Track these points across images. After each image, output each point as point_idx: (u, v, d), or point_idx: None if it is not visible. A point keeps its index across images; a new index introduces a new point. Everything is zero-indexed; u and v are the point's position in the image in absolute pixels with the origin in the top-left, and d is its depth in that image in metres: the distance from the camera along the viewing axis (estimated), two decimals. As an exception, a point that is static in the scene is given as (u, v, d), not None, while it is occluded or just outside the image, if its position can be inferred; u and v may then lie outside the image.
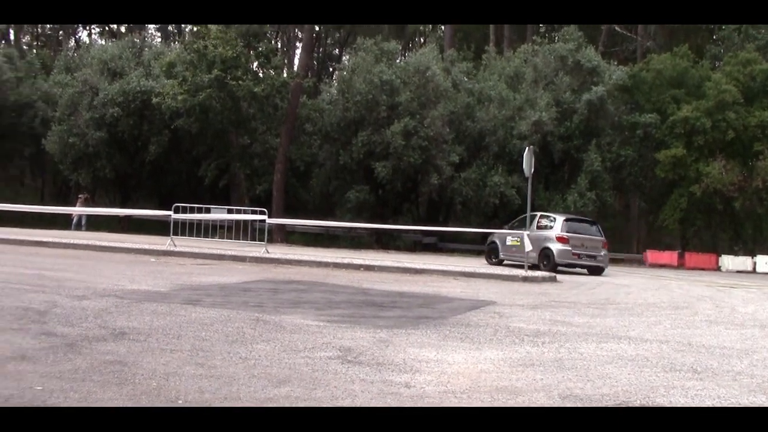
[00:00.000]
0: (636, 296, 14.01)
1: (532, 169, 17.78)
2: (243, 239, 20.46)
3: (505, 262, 21.60)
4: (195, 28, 37.22)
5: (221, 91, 27.40)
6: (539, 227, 20.82)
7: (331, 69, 53.62)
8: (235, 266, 15.70)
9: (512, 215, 28.76)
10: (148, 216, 27.39)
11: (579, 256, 20.03)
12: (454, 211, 32.22)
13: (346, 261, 17.46)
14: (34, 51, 48.72)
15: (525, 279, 15.85)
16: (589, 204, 28.54)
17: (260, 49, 30.22)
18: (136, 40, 37.17)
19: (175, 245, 18.11)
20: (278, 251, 19.44)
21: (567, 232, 20.12)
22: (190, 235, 19.66)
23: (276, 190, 29.85)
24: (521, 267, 18.24)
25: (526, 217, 19.45)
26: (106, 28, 56.42)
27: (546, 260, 19.94)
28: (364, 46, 31.07)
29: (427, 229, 28.79)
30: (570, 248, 19.88)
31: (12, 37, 52.49)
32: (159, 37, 53.72)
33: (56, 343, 6.12)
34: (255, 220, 21.49)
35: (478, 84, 31.54)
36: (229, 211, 22.91)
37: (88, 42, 53.26)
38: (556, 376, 5.83)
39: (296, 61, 39.93)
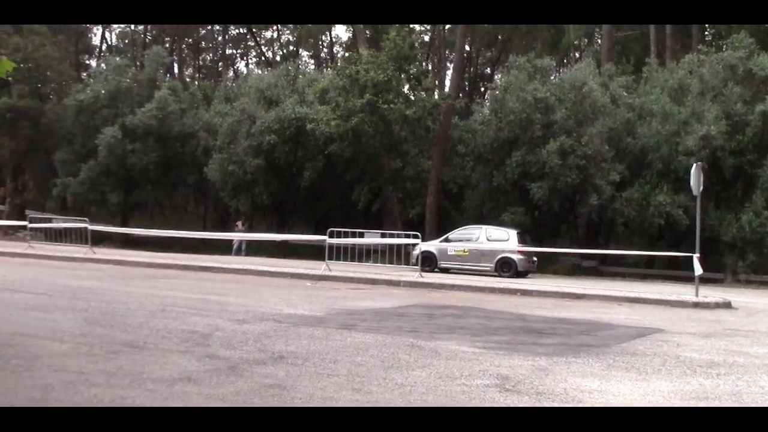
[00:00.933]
0: (824, 324, 12.99)
1: (701, 187, 16.97)
2: (396, 263, 20.71)
3: (436, 269, 23.87)
4: (347, 54, 38.27)
5: (373, 115, 27.96)
6: (492, 240, 24.14)
7: (482, 88, 53.66)
8: (389, 291, 15.89)
9: (679, 236, 27.56)
10: (303, 241, 28.27)
11: (529, 262, 23.98)
12: (616, 232, 31.19)
13: (501, 285, 17.27)
14: (196, 83, 51.76)
15: (696, 305, 15.06)
16: (767, 224, 26.81)
17: (411, 71, 30.65)
18: (290, 68, 38.68)
19: (330, 269, 18.57)
20: (432, 275, 19.54)
21: (521, 243, 23.74)
22: (345, 259, 20.08)
23: (429, 213, 30.06)
24: (477, 274, 22.52)
25: (463, 230, 25.24)
26: (262, 58, 59.30)
27: (507, 267, 23.23)
28: (517, 64, 30.83)
29: (587, 252, 28.04)
30: (526, 257, 23.65)
31: (176, 70, 56.18)
32: (312, 64, 55.78)
33: (219, 366, 6.42)
34: (408, 244, 21.74)
35: (639, 98, 30.46)
36: (383, 235, 23.29)
37: (245, 72, 56.16)
38: (734, 411, 5.49)
39: (447, 82, 40.22)
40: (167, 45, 54.15)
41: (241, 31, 58.88)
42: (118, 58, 41.27)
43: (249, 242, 30.33)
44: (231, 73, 59.89)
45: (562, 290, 16.64)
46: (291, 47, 59.98)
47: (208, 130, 34.75)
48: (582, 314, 12.40)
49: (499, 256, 23.37)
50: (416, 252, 23.21)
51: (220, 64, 62.68)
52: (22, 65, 34.22)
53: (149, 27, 57.72)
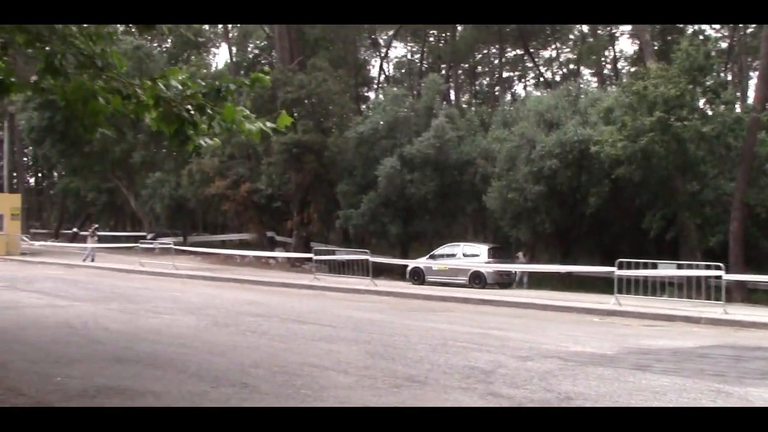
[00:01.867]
0: None
1: None
2: (695, 298, 19.52)
3: (427, 281, 27.53)
4: (633, 69, 37.07)
5: (665, 134, 26.81)
6: (466, 255, 28.17)
7: (795, 97, 49.34)
8: (687, 328, 15.10)
9: None
10: (589, 272, 27.76)
11: (500, 275, 27.15)
12: None
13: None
14: (473, 109, 52.90)
15: None
16: None
17: (707, 83, 29.00)
18: (570, 87, 38.24)
19: (620, 304, 18.04)
20: (739, 312, 18.22)
21: (492, 258, 27.55)
22: (635, 292, 19.39)
23: (733, 241, 28.09)
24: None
25: (445, 248, 29.68)
26: (541, 79, 59.34)
27: (478, 280, 26.57)
28: (839, 67, 28.04)
29: None
30: (495, 271, 26.89)
31: (452, 97, 57.94)
32: (595, 82, 54.83)
33: (502, 405, 6.45)
34: (709, 276, 20.44)
35: None
36: (679, 266, 22.15)
37: (523, 95, 56.51)
38: None
39: (751, 93, 37.51)
40: (443, 72, 56.04)
41: (518, 52, 59.44)
42: (395, 89, 43.36)
43: (531, 274, 30.32)
44: (508, 97, 60.45)
45: None
46: (571, 66, 59.44)
47: (486, 156, 35.22)
48: None
49: (472, 270, 26.90)
50: (409, 268, 29.07)
51: (496, 88, 63.59)
52: (306, 101, 37.15)
53: (425, 55, 60.22)
